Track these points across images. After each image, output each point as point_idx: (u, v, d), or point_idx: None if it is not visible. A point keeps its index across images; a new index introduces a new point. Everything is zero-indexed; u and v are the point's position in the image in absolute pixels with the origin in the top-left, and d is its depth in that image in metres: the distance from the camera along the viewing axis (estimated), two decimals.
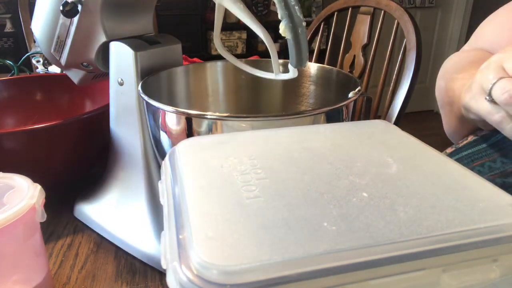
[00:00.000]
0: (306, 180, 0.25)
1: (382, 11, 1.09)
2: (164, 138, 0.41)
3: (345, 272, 0.18)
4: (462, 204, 0.22)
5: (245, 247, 0.18)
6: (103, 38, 0.48)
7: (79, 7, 0.47)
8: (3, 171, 0.41)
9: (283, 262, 0.18)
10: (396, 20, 1.04)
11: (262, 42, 0.41)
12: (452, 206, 0.22)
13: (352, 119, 0.41)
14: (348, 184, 0.24)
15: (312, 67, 0.53)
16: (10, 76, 0.90)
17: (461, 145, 0.59)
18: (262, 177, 0.25)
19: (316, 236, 0.19)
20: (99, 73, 0.55)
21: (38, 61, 1.13)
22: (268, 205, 0.22)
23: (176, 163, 0.27)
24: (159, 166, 0.49)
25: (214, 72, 0.57)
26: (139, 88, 0.43)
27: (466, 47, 0.68)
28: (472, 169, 0.41)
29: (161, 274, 0.46)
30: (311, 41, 1.30)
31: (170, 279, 0.19)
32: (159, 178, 0.29)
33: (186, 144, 0.29)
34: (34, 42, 1.59)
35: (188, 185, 0.24)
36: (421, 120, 3.23)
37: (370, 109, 0.46)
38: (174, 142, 0.40)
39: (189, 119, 0.37)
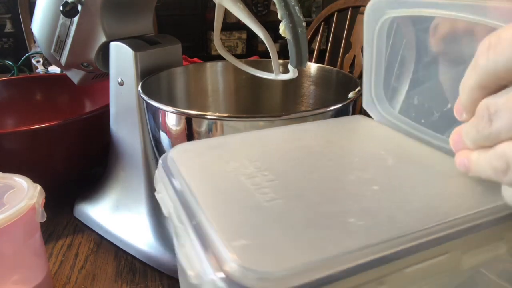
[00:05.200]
0: (315, 178, 0.25)
1: None
2: (164, 138, 0.41)
3: (382, 264, 0.18)
4: (464, 189, 0.23)
5: (283, 251, 0.18)
6: (103, 38, 0.49)
7: (79, 7, 0.47)
8: (3, 171, 0.41)
9: (324, 262, 0.18)
10: None
11: (262, 42, 0.41)
12: (456, 192, 0.23)
13: None
14: (356, 179, 0.24)
15: (312, 67, 0.53)
16: (10, 76, 0.90)
17: None
18: (272, 179, 0.24)
19: (347, 233, 0.19)
20: (99, 73, 0.55)
21: (38, 61, 1.14)
22: (288, 206, 0.22)
23: (174, 172, 0.26)
24: None
25: (214, 72, 0.57)
26: (139, 88, 0.43)
27: None
28: None
29: (161, 274, 0.46)
30: (311, 41, 1.30)
31: None
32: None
33: (178, 151, 0.28)
34: (34, 42, 1.59)
35: (198, 193, 0.23)
36: None
37: None
38: (174, 142, 0.40)
39: (189, 119, 0.37)
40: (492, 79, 0.20)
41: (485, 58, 0.19)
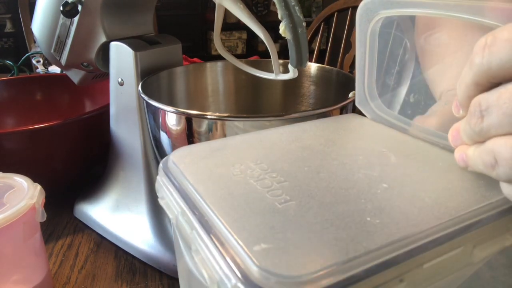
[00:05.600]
0: (324, 178, 0.25)
1: None
2: (164, 138, 0.41)
3: (403, 261, 0.19)
4: (468, 184, 0.24)
5: (305, 254, 0.18)
6: (103, 38, 0.49)
7: (79, 7, 0.47)
8: (3, 171, 0.41)
9: (347, 263, 0.18)
10: None
11: (262, 42, 0.41)
12: (461, 186, 0.24)
13: None
14: (364, 178, 0.24)
15: (312, 67, 0.53)
16: (10, 76, 0.91)
17: None
18: (281, 181, 0.24)
19: (367, 232, 0.20)
20: (99, 73, 0.55)
21: (38, 61, 1.14)
22: (303, 208, 0.22)
23: (179, 177, 0.25)
24: None
25: (214, 72, 0.57)
26: (139, 88, 0.43)
27: None
28: None
29: (161, 273, 0.46)
30: (311, 41, 1.30)
31: None
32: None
33: (179, 155, 0.28)
34: (34, 42, 1.59)
35: (208, 198, 0.23)
36: None
37: None
38: (174, 142, 0.40)
39: (189, 119, 0.37)
40: (486, 77, 0.20)
41: (480, 57, 0.20)
